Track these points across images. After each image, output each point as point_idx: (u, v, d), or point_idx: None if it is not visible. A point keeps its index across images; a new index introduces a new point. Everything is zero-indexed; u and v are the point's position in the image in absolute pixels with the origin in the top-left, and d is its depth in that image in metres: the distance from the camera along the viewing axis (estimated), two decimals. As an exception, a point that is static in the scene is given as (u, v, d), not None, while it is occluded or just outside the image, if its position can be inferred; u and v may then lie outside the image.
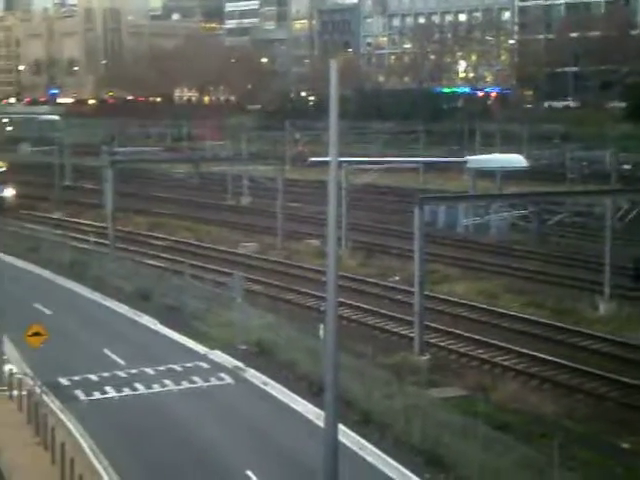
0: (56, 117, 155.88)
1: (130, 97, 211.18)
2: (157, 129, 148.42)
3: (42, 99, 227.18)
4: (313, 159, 72.07)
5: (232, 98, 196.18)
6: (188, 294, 47.15)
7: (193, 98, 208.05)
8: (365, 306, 47.73)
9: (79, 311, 47.95)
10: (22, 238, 66.92)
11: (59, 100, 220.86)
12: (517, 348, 40.06)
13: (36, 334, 31.96)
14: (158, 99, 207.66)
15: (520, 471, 25.49)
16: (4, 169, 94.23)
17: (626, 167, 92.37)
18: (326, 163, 15.43)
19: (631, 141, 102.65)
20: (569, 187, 78.41)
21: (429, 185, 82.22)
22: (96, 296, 50.79)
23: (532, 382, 36.67)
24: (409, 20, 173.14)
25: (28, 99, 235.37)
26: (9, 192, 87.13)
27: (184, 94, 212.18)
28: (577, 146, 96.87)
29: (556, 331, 42.99)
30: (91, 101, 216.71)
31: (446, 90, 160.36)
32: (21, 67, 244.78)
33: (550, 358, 38.68)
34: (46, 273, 57.01)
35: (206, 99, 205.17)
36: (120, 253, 59.99)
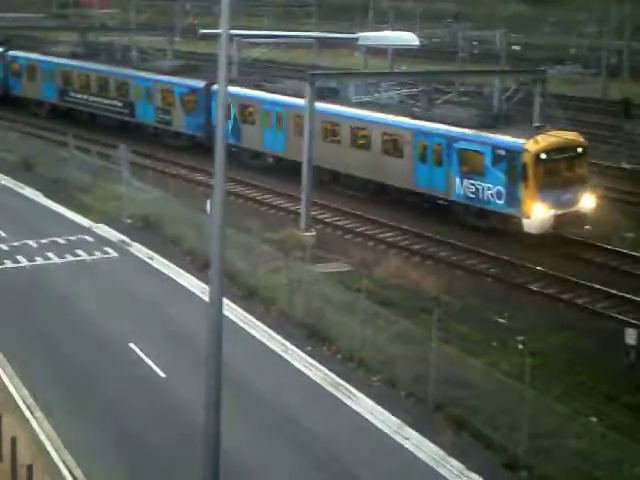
0: None
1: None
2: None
3: None
4: (204, 31, 70.40)
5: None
6: (73, 166, 46.32)
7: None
8: (253, 182, 47.72)
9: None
10: None
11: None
12: (402, 225, 40.75)
13: None
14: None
15: (400, 344, 26.20)
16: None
17: (515, 48, 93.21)
18: (217, 36, 15.06)
19: (521, 22, 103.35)
20: (459, 66, 78.76)
21: (320, 61, 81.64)
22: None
23: (414, 258, 37.45)
24: None
25: None
26: (589, 202, 40.23)
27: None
28: (469, 25, 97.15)
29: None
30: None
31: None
32: None
33: (432, 235, 39.49)
34: None
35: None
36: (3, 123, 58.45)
